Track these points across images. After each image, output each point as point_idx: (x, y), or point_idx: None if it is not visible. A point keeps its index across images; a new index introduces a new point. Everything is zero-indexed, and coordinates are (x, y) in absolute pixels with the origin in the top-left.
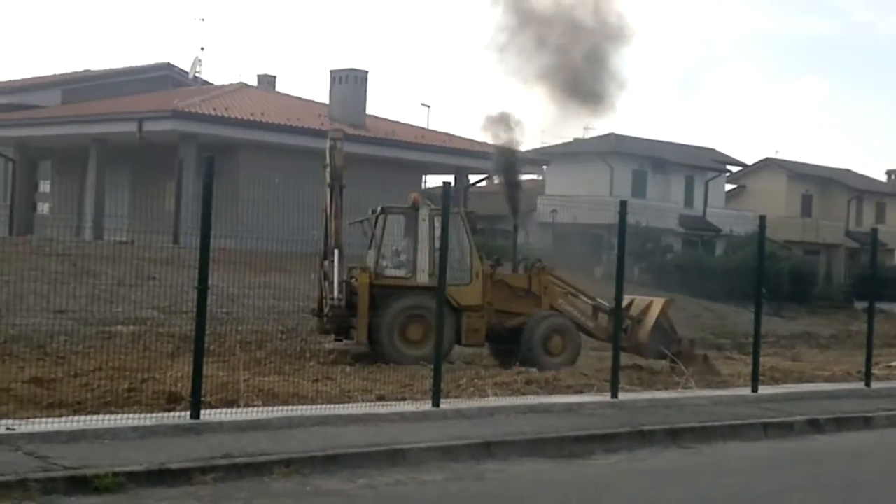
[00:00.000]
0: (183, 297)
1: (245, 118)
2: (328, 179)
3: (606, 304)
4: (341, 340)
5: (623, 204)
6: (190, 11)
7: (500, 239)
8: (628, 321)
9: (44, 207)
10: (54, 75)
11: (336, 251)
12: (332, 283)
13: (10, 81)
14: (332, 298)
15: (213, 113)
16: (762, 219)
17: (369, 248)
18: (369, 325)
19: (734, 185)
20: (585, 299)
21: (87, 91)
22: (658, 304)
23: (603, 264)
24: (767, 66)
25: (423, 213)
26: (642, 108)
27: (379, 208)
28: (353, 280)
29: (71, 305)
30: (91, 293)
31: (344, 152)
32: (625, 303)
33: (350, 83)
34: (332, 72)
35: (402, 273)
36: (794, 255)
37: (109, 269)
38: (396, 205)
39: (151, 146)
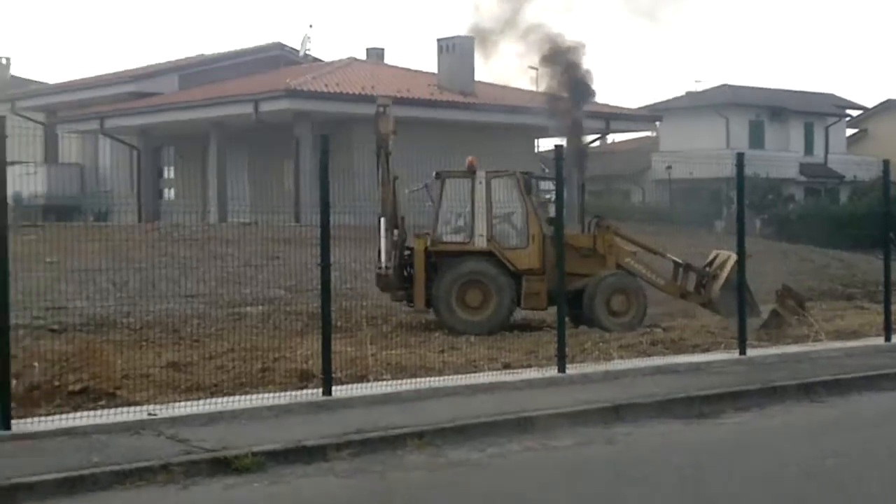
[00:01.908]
0: (308, 274)
1: (356, 93)
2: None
3: (678, 260)
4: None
5: (740, 156)
6: None
7: (616, 198)
8: (703, 276)
9: (169, 193)
10: (170, 62)
11: (382, 219)
12: (379, 251)
13: (127, 70)
14: (380, 267)
15: (325, 90)
16: (886, 163)
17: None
18: (427, 292)
19: (856, 130)
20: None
21: (202, 75)
22: (734, 259)
23: (723, 219)
24: (883, 4)
25: (480, 176)
26: (757, 56)
27: (434, 174)
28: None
29: (201, 289)
30: (219, 276)
31: (392, 118)
32: (709, 258)
33: (457, 51)
34: (438, 41)
35: (459, 238)
36: None
37: (235, 250)
38: (453, 169)
39: (268, 126)
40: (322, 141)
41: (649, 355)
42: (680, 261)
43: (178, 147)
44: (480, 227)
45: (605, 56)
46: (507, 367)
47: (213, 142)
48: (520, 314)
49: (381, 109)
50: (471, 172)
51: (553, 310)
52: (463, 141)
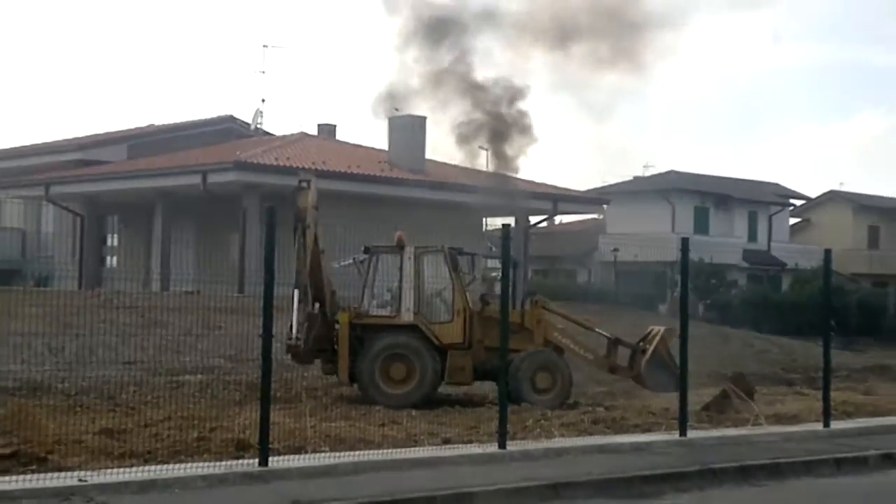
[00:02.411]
0: (249, 344)
1: (306, 167)
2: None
3: (607, 335)
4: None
5: (685, 241)
6: (251, 64)
7: (561, 279)
8: (634, 350)
9: (112, 261)
10: (120, 131)
11: (296, 291)
12: (291, 322)
13: (77, 138)
14: (290, 338)
15: (274, 163)
16: (827, 252)
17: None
18: (352, 365)
19: (798, 219)
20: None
21: (152, 145)
22: (662, 332)
23: (667, 302)
24: (828, 98)
25: (409, 251)
26: (702, 145)
27: (363, 248)
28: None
29: (140, 356)
30: (159, 343)
31: (314, 193)
32: (645, 333)
33: (408, 129)
34: (390, 119)
35: (386, 312)
36: (862, 287)
37: (177, 319)
38: (382, 244)
39: (216, 198)
40: (268, 213)
41: (590, 434)
42: (610, 336)
43: (123, 215)
44: (407, 301)
45: (554, 139)
46: (447, 442)
47: (159, 211)
48: (462, 389)
49: (304, 184)
50: (399, 248)
51: (493, 386)
52: (412, 217)
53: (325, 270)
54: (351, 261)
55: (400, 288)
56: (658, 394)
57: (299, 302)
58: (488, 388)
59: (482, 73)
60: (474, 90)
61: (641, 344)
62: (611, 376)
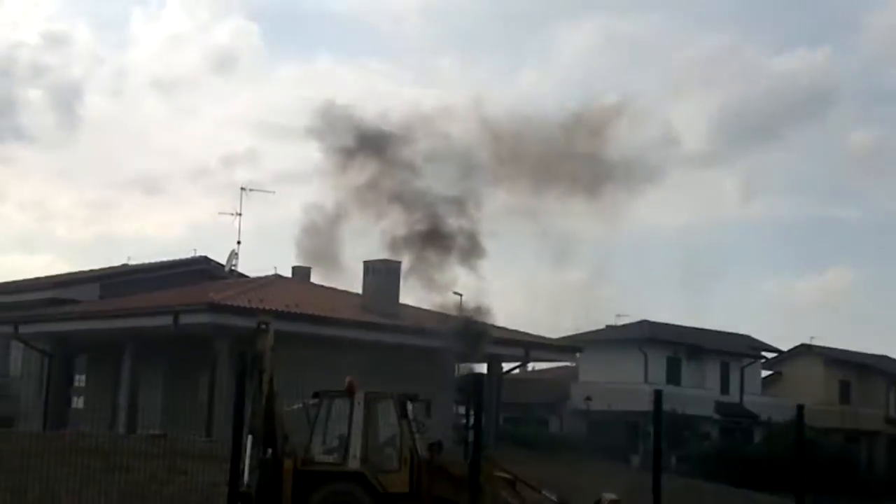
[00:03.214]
0: (216, 491)
1: (280, 309)
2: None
3: (554, 498)
4: None
5: (658, 393)
6: (226, 205)
7: (533, 427)
8: None
9: (78, 401)
10: (92, 270)
11: (249, 436)
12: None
13: (49, 277)
14: (241, 484)
15: (248, 305)
16: (800, 408)
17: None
18: None
19: (770, 372)
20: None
21: (124, 285)
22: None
23: (640, 453)
24: (799, 252)
25: (359, 397)
26: (673, 294)
27: (313, 393)
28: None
29: (103, 502)
30: (123, 489)
31: (272, 336)
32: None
33: (383, 274)
34: (365, 262)
35: (332, 458)
36: (834, 442)
37: (142, 463)
38: (332, 389)
39: (187, 339)
40: (239, 358)
41: None
42: (555, 499)
43: (91, 354)
44: (354, 448)
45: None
46: None
47: (128, 351)
48: None
49: (263, 326)
50: (349, 392)
51: None
52: (384, 362)
53: (278, 415)
54: (301, 405)
55: (348, 434)
56: None
57: (252, 447)
58: None
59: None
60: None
61: None
62: None
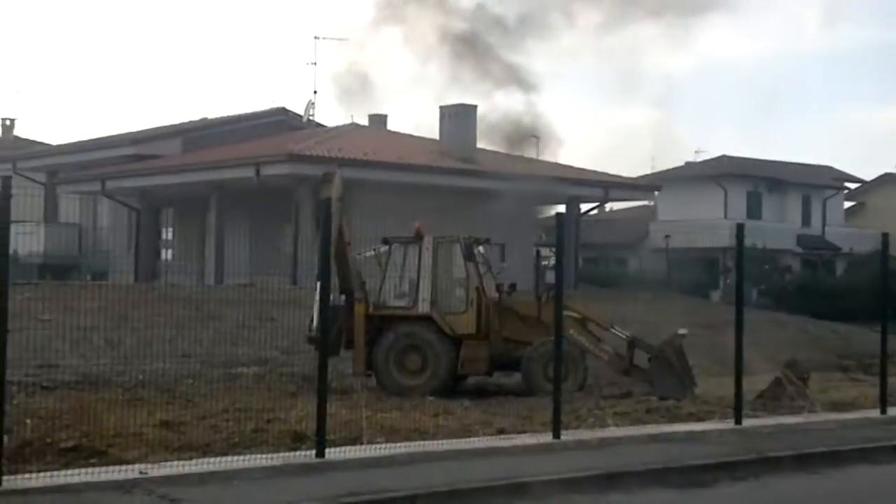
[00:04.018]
0: (302, 336)
1: (358, 158)
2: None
3: (624, 335)
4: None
5: (740, 227)
6: (302, 56)
7: (612, 266)
8: (650, 353)
9: (167, 254)
10: (174, 125)
11: (319, 283)
12: (312, 315)
13: (131, 133)
14: (310, 330)
15: (326, 154)
16: (884, 236)
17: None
18: (368, 356)
19: (853, 203)
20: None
21: (205, 139)
22: (679, 335)
23: (720, 288)
24: (885, 80)
25: (427, 242)
26: (756, 128)
27: (382, 239)
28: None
29: (195, 349)
30: (214, 336)
31: (339, 185)
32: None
33: (459, 118)
34: (441, 108)
35: (402, 303)
36: None
37: (231, 311)
38: (400, 235)
39: (269, 190)
40: (324, 206)
41: (644, 423)
42: (625, 336)
43: (177, 209)
44: (424, 292)
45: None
46: (501, 432)
47: (214, 204)
48: (515, 378)
49: (329, 177)
50: (418, 238)
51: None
52: (463, 207)
53: (351, 262)
54: (372, 252)
55: (417, 278)
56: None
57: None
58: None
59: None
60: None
61: (660, 348)
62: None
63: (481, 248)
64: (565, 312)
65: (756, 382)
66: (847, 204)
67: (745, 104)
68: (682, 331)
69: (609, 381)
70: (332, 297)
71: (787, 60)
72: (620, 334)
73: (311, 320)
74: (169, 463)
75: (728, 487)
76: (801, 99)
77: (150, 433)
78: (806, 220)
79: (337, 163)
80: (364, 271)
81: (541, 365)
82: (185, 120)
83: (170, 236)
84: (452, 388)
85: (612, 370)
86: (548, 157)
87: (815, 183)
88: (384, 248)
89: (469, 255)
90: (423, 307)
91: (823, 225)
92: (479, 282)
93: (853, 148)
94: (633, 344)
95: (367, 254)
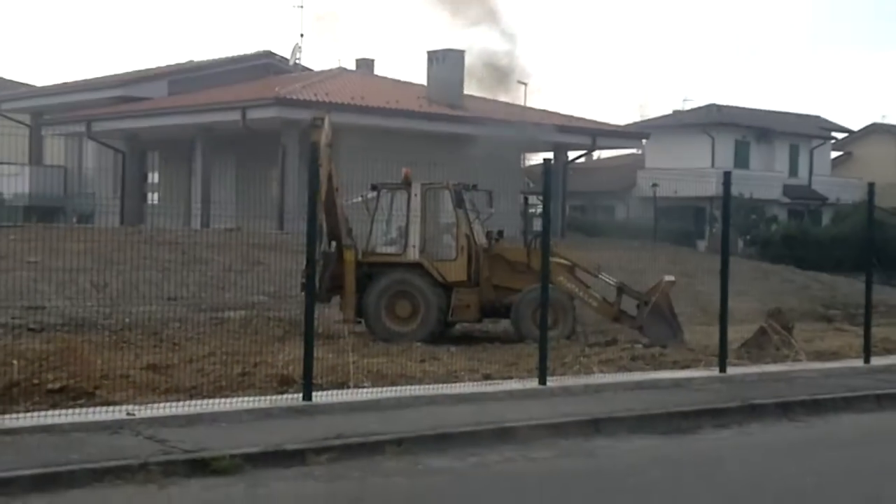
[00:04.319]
0: (290, 281)
1: (345, 102)
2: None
3: (612, 282)
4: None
5: (727, 175)
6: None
7: (600, 214)
8: (639, 300)
9: (153, 197)
10: (160, 67)
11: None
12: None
13: (117, 75)
14: (304, 276)
15: (313, 98)
16: (870, 186)
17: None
18: (358, 302)
19: (840, 153)
20: (587, 275)
21: (191, 82)
22: (666, 282)
23: (706, 237)
24: (873, 25)
25: (416, 188)
26: (744, 76)
27: (370, 185)
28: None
29: (182, 292)
30: (201, 280)
31: (328, 131)
32: (655, 283)
33: (447, 63)
34: (428, 52)
35: (392, 250)
36: None
37: (218, 255)
38: (388, 181)
39: (255, 134)
40: (311, 149)
41: (629, 370)
42: (613, 282)
43: (163, 152)
44: (413, 239)
45: (594, 72)
46: (487, 377)
47: (199, 148)
48: (501, 326)
49: (318, 122)
50: (406, 184)
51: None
52: (450, 153)
53: (340, 208)
54: (360, 198)
55: (406, 225)
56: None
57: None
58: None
59: None
60: None
61: (648, 295)
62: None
63: (468, 195)
64: (554, 259)
65: (741, 331)
66: (834, 154)
67: (735, 50)
68: (669, 278)
69: (595, 328)
70: (321, 244)
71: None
72: (609, 281)
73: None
74: (156, 405)
75: (711, 434)
76: (791, 44)
77: (137, 375)
78: (793, 170)
79: (326, 107)
80: (351, 217)
81: (530, 311)
82: (172, 62)
83: (156, 180)
84: (440, 334)
85: (601, 316)
86: (535, 103)
87: (803, 132)
88: (372, 195)
89: (459, 202)
90: (413, 254)
91: (810, 174)
92: (469, 229)
93: (843, 97)
94: (621, 290)
95: (355, 200)
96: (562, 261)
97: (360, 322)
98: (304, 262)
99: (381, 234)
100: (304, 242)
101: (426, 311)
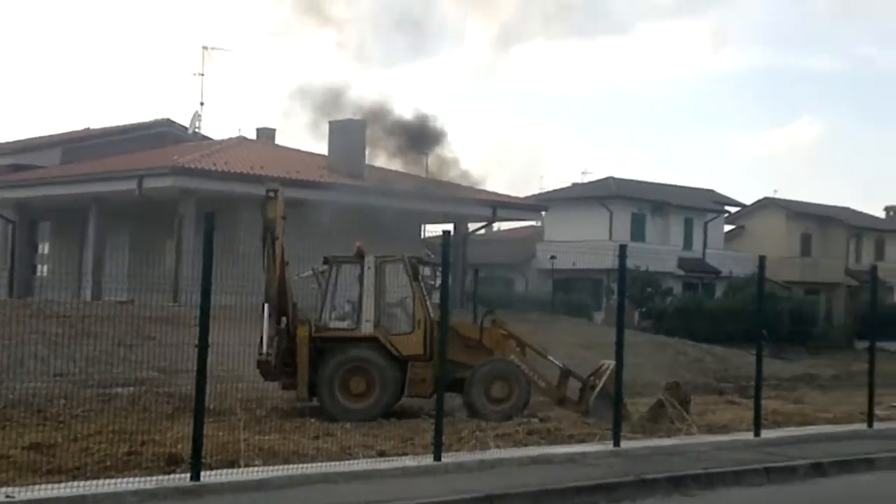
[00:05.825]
0: (182, 355)
1: (245, 172)
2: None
3: (559, 364)
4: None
5: (622, 248)
6: (188, 67)
7: (499, 286)
8: (584, 385)
9: (43, 269)
10: (54, 135)
11: (266, 305)
12: (261, 337)
13: (10, 142)
14: (261, 353)
15: (212, 168)
16: (762, 259)
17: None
18: (311, 379)
19: (733, 226)
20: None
21: (87, 150)
22: (608, 369)
23: (603, 310)
24: (766, 104)
25: (369, 261)
26: (640, 151)
27: (323, 259)
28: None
29: (70, 368)
30: (90, 355)
31: (282, 203)
32: (596, 367)
33: (348, 134)
34: (330, 123)
35: (345, 324)
36: (794, 295)
37: (109, 329)
38: (341, 255)
39: (152, 203)
40: (207, 219)
41: (525, 445)
42: (562, 366)
43: (55, 221)
44: (368, 313)
45: (494, 147)
46: (382, 454)
47: (93, 217)
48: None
49: (271, 194)
50: (359, 257)
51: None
52: (351, 224)
53: (288, 283)
54: (310, 272)
55: (360, 299)
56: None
57: (269, 316)
58: (420, 400)
59: None
60: None
61: (592, 378)
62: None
63: (426, 268)
64: (506, 335)
65: (637, 404)
66: (727, 227)
67: (633, 127)
68: (607, 362)
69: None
70: (271, 319)
71: (673, 85)
72: (556, 363)
73: (261, 341)
74: (37, 486)
75: None
76: (685, 123)
77: (19, 456)
78: (688, 243)
79: (224, 177)
80: (297, 293)
81: (483, 387)
82: (66, 130)
83: (46, 250)
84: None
85: (547, 398)
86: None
87: (697, 206)
88: (324, 268)
89: (414, 275)
90: (367, 328)
91: (704, 248)
92: (424, 302)
93: (735, 173)
94: (567, 374)
95: (305, 274)
96: (512, 339)
97: (311, 401)
98: (261, 337)
99: (332, 309)
100: (200, 315)
101: (382, 386)
